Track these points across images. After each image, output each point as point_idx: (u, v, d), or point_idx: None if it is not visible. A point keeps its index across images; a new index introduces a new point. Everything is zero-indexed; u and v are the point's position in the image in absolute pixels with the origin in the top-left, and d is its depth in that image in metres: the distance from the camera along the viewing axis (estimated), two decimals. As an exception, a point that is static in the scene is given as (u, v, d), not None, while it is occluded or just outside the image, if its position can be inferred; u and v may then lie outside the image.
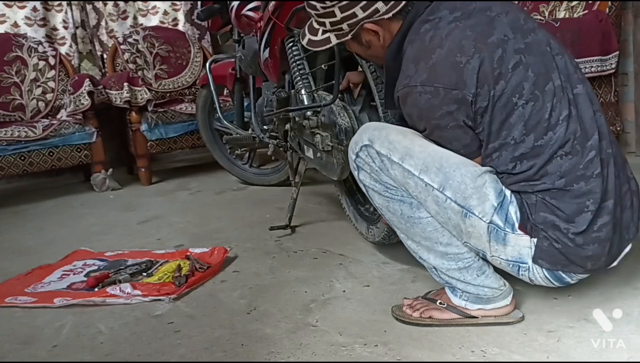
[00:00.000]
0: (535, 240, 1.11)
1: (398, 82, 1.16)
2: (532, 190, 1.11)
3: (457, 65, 1.08)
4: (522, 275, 1.16)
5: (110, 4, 3.69)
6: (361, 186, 1.26)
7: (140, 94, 3.09)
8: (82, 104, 2.98)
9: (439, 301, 1.25)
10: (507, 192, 1.12)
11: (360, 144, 1.19)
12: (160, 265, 1.70)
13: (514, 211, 1.11)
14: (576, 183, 1.09)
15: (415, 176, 1.14)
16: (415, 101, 1.13)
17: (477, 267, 1.18)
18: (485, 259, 1.19)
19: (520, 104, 1.08)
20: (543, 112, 1.09)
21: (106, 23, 3.69)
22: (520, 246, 1.12)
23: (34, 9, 3.45)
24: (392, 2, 1.16)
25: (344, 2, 1.17)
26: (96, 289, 1.57)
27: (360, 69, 1.68)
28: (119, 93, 3.04)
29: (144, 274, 1.66)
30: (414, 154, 1.14)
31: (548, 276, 1.14)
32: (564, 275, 1.15)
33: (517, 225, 1.11)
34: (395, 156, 1.15)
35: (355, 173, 1.25)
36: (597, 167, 1.09)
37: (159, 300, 1.48)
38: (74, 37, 3.58)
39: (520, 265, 1.14)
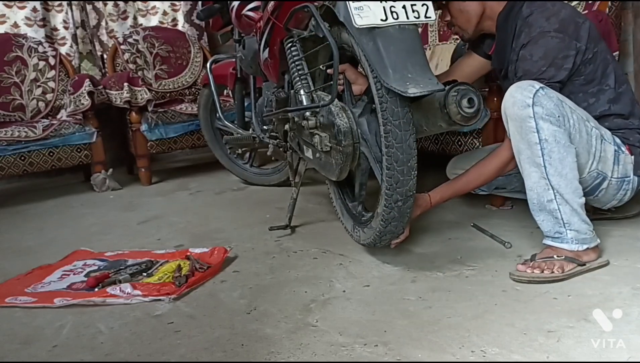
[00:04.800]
0: (633, 156, 1.55)
1: (527, 32, 1.53)
2: (628, 126, 1.57)
3: (577, 23, 1.53)
4: (623, 189, 1.56)
5: (110, 4, 3.69)
6: (527, 124, 1.41)
7: (140, 94, 3.09)
8: (82, 104, 2.99)
9: (555, 255, 1.44)
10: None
11: (537, 87, 1.42)
12: (160, 265, 1.70)
13: (617, 139, 1.54)
14: None
15: (575, 111, 1.47)
16: (546, 43, 1.50)
17: (580, 210, 1.45)
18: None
19: (611, 60, 1.59)
20: (619, 69, 1.61)
21: (106, 23, 3.70)
22: (626, 163, 1.54)
23: (34, 10, 3.45)
24: None
25: None
26: (96, 289, 1.57)
27: (360, 69, 1.69)
28: (119, 93, 3.04)
29: (144, 274, 1.66)
30: (567, 100, 1.48)
31: (637, 186, 1.57)
32: None
33: (624, 147, 1.54)
34: (560, 98, 1.46)
35: (526, 111, 1.41)
36: None
37: (159, 300, 1.48)
38: (74, 37, 3.58)
39: (625, 179, 1.55)
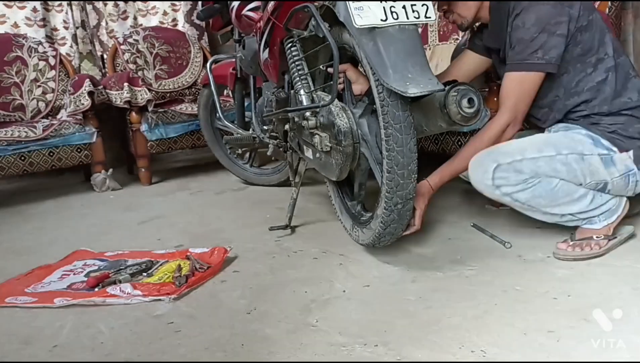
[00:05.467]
0: (631, 151, 1.52)
1: (519, 3, 1.53)
2: (621, 108, 1.53)
3: None
4: (631, 182, 1.55)
5: (110, 4, 3.69)
6: (505, 199, 1.54)
7: (141, 95, 3.09)
8: (82, 104, 2.99)
9: (594, 236, 1.54)
10: (591, 133, 1.53)
11: (491, 170, 1.49)
12: (161, 265, 1.70)
13: (606, 141, 1.52)
14: None
15: (539, 157, 1.49)
16: (538, 10, 1.50)
17: (595, 193, 1.54)
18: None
19: (608, 30, 1.57)
20: (616, 41, 1.60)
21: (106, 23, 3.69)
22: (623, 160, 1.53)
23: (34, 10, 3.45)
24: None
25: None
26: (96, 289, 1.57)
27: (361, 69, 1.68)
28: (119, 93, 3.04)
29: (144, 274, 1.66)
30: (526, 147, 1.51)
31: None
32: None
33: (616, 149, 1.52)
34: (517, 156, 1.49)
35: (496, 193, 1.53)
36: None
37: (159, 300, 1.48)
38: (74, 37, 3.58)
39: (629, 173, 1.53)
